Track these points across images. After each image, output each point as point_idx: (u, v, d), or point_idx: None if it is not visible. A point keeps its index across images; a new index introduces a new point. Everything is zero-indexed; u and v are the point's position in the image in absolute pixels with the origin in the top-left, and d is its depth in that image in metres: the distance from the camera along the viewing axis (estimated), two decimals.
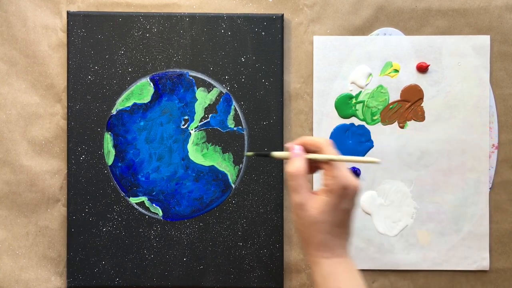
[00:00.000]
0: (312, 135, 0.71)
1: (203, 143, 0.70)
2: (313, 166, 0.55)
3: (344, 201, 0.51)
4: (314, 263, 0.53)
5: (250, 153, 0.61)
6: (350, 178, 0.51)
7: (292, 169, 0.53)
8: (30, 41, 0.70)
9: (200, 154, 0.70)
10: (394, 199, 0.71)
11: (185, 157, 0.70)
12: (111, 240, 0.69)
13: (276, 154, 0.56)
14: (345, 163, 0.53)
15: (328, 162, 0.52)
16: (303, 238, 0.53)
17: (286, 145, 0.56)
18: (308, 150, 0.54)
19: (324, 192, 0.52)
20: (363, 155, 0.71)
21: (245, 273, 0.70)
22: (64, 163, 0.70)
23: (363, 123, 0.71)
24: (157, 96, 0.70)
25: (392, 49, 0.71)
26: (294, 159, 0.53)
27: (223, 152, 0.70)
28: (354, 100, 0.71)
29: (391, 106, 0.71)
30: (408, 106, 0.71)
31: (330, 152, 0.53)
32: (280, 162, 0.70)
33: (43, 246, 0.70)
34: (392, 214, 0.71)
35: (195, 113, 0.70)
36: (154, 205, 0.70)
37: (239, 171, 0.70)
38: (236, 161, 0.70)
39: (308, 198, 0.52)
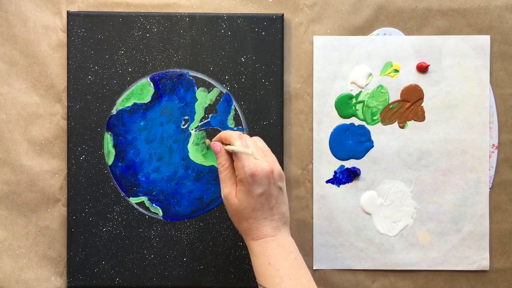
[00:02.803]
0: (312, 135, 0.71)
1: (203, 143, 0.70)
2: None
3: (255, 187, 0.57)
4: (248, 246, 0.58)
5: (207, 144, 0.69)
6: (254, 166, 0.57)
7: (220, 163, 0.60)
8: (30, 41, 0.70)
9: (200, 154, 0.70)
10: (394, 199, 0.71)
11: (185, 157, 0.70)
12: (111, 240, 0.69)
13: (213, 149, 0.62)
14: (251, 153, 0.58)
15: (235, 153, 0.58)
16: (236, 226, 0.59)
17: (213, 140, 0.63)
18: (226, 144, 0.61)
19: (238, 183, 0.58)
20: (363, 155, 0.71)
21: (245, 273, 0.70)
22: (64, 163, 0.70)
23: (363, 123, 0.71)
24: (157, 96, 0.70)
25: (392, 49, 0.71)
26: (219, 154, 0.60)
27: None
28: (354, 100, 0.71)
29: (391, 106, 0.71)
30: (408, 106, 0.71)
31: (236, 144, 0.59)
32: (280, 162, 0.70)
33: (43, 246, 0.70)
34: (392, 214, 0.71)
35: (195, 113, 0.70)
36: (154, 205, 0.70)
37: None
38: None
39: (231, 190, 0.59)
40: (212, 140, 0.63)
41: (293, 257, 0.57)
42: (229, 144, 0.60)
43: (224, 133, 0.62)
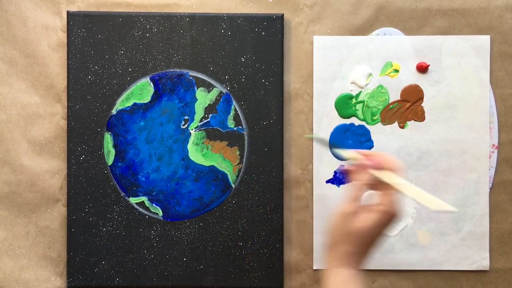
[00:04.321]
0: (312, 135, 0.71)
1: (203, 143, 0.70)
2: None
3: (387, 227, 0.54)
4: (333, 267, 0.55)
5: (308, 136, 0.65)
6: (400, 210, 0.54)
7: (359, 180, 0.55)
8: (30, 41, 0.70)
9: (200, 154, 0.70)
10: None
11: (185, 157, 0.70)
12: (111, 240, 0.69)
13: (344, 153, 0.59)
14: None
15: (389, 184, 0.54)
16: (333, 243, 0.55)
17: (358, 151, 0.58)
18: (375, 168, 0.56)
19: (377, 211, 0.54)
20: None
21: (245, 273, 0.70)
22: (64, 163, 0.70)
23: (363, 123, 0.71)
24: (157, 96, 0.70)
25: (392, 49, 0.71)
26: (362, 172, 0.55)
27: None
28: (354, 100, 0.71)
29: (391, 106, 0.71)
30: (408, 106, 0.71)
31: (395, 179, 0.54)
32: (280, 162, 0.70)
33: (43, 246, 0.70)
34: None
35: (195, 113, 0.70)
36: (154, 205, 0.70)
37: (239, 171, 0.70)
38: (236, 161, 0.70)
39: (359, 211, 0.54)
40: (363, 151, 0.58)
41: None
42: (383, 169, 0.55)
43: (382, 158, 0.56)
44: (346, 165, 0.58)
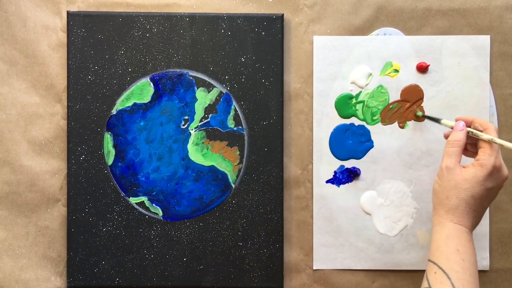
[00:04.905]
0: (312, 135, 0.71)
1: (203, 143, 0.70)
2: (468, 150, 0.63)
3: (490, 180, 0.57)
4: (440, 223, 0.58)
5: (420, 113, 0.70)
6: (503, 163, 0.58)
7: (453, 137, 0.60)
8: (30, 41, 0.70)
9: (200, 154, 0.70)
10: (394, 199, 0.71)
11: (185, 157, 0.70)
12: (111, 240, 0.69)
13: (445, 121, 0.65)
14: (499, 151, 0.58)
15: (488, 141, 0.58)
16: (438, 200, 0.59)
17: (456, 117, 0.63)
18: (474, 128, 0.61)
19: (475, 166, 0.57)
20: (363, 155, 0.71)
21: (245, 273, 0.70)
22: (64, 163, 0.70)
23: (363, 123, 0.71)
24: (157, 96, 0.70)
25: (392, 49, 0.71)
26: (458, 131, 0.60)
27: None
28: (354, 100, 0.71)
29: (391, 106, 0.71)
30: (408, 106, 0.71)
31: (494, 135, 0.59)
32: (280, 162, 0.70)
33: (43, 246, 0.70)
34: (392, 214, 0.71)
35: (195, 113, 0.70)
36: (154, 205, 0.70)
37: (239, 171, 0.70)
38: (236, 161, 0.70)
39: (458, 165, 0.58)
40: (457, 118, 0.63)
41: (475, 259, 0.57)
42: (481, 131, 0.60)
43: (480, 120, 0.61)
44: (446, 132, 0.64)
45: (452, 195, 0.57)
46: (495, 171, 0.57)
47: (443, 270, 0.55)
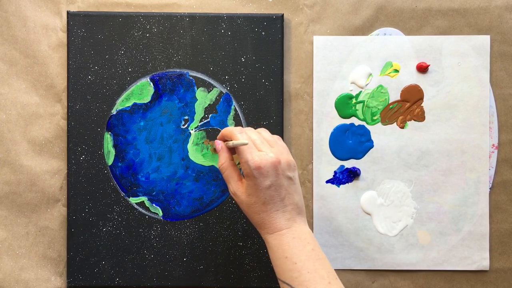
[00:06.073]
0: (312, 135, 0.71)
1: (203, 143, 0.70)
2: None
3: (263, 179, 0.55)
4: (264, 240, 0.58)
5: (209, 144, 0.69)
6: (259, 159, 0.55)
7: (220, 162, 0.60)
8: (30, 41, 0.70)
9: (200, 154, 0.70)
10: (394, 199, 0.71)
11: (185, 157, 0.70)
12: (111, 240, 0.69)
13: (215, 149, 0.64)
14: (252, 145, 0.57)
15: (238, 148, 0.57)
16: (251, 221, 0.58)
17: (214, 141, 0.63)
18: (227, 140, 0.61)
19: (245, 177, 0.57)
20: (363, 155, 0.71)
21: (245, 273, 0.70)
22: (64, 163, 0.70)
23: (363, 123, 0.71)
24: (157, 96, 0.70)
25: (392, 49, 0.71)
26: (219, 153, 0.60)
27: None
28: (354, 100, 0.71)
29: (391, 106, 0.71)
30: (408, 106, 0.71)
31: (237, 138, 0.58)
32: None
33: (43, 246, 0.70)
34: (392, 214, 0.71)
35: (195, 113, 0.70)
36: (154, 205, 0.70)
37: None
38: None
39: (237, 186, 0.58)
40: (216, 138, 0.63)
41: (310, 249, 0.55)
42: (230, 140, 0.60)
43: (225, 130, 0.61)
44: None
45: (252, 214, 0.57)
46: (259, 170, 0.55)
47: (288, 284, 0.54)
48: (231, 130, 0.60)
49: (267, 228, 0.56)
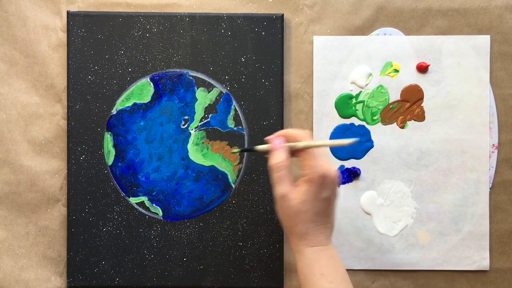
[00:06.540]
0: (312, 135, 0.71)
1: (203, 143, 0.70)
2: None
3: (324, 189, 0.54)
4: (298, 251, 0.55)
5: (236, 150, 0.67)
6: (328, 167, 0.54)
7: (275, 161, 0.55)
8: (30, 41, 0.70)
9: (200, 154, 0.70)
10: (394, 199, 0.71)
11: (185, 157, 0.70)
12: (111, 240, 0.69)
13: (259, 147, 0.59)
14: (324, 152, 0.55)
15: (306, 151, 0.54)
16: (287, 228, 0.55)
17: (267, 138, 0.58)
18: (288, 142, 0.57)
19: (304, 182, 0.54)
20: (363, 155, 0.71)
21: (245, 273, 0.70)
22: (64, 163, 0.70)
23: (363, 123, 0.71)
24: (157, 96, 0.70)
25: (392, 49, 0.71)
26: (276, 151, 0.56)
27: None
28: (354, 100, 0.71)
29: (391, 106, 0.71)
30: (408, 106, 0.71)
31: (306, 140, 0.55)
32: None
33: (43, 246, 0.70)
34: (392, 214, 0.71)
35: (195, 113, 0.70)
36: (154, 205, 0.70)
37: (239, 171, 0.70)
38: (236, 161, 0.70)
39: (290, 189, 0.54)
40: (271, 136, 0.58)
41: (343, 271, 0.54)
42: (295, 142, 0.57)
43: (290, 131, 0.57)
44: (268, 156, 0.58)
45: (297, 222, 0.54)
46: (325, 179, 0.53)
47: None
48: (296, 132, 0.57)
49: (309, 240, 0.54)
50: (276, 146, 0.56)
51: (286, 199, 0.54)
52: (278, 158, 0.55)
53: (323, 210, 0.54)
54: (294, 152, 0.57)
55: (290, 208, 0.54)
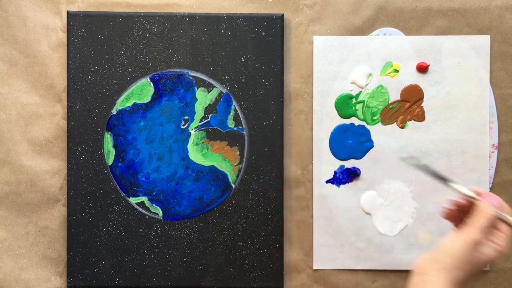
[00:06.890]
0: (312, 135, 0.71)
1: (203, 143, 0.70)
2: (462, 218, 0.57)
3: (494, 263, 0.56)
4: (432, 282, 0.54)
5: (417, 162, 0.67)
6: (506, 252, 0.54)
7: (489, 211, 0.54)
8: (30, 41, 0.70)
9: (200, 154, 0.70)
10: (394, 199, 0.71)
11: (185, 157, 0.70)
12: (111, 240, 0.69)
13: (458, 186, 0.57)
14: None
15: (507, 225, 0.54)
16: (451, 266, 0.54)
17: (475, 188, 0.56)
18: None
19: (495, 251, 0.54)
20: (363, 155, 0.71)
21: (245, 273, 0.70)
22: (64, 163, 0.70)
23: (363, 123, 0.71)
24: (157, 96, 0.70)
25: (392, 49, 0.71)
26: (491, 206, 0.54)
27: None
28: (354, 100, 0.71)
29: (391, 106, 0.71)
30: (408, 106, 0.71)
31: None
32: (280, 162, 0.70)
33: (43, 246, 0.70)
34: (392, 214, 0.71)
35: (195, 113, 0.70)
36: (154, 205, 0.70)
37: (239, 171, 0.70)
38: (236, 161, 0.70)
39: (485, 243, 0.54)
40: (476, 190, 0.56)
41: None
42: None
43: (503, 202, 0.56)
44: (455, 198, 0.57)
45: (467, 269, 0.53)
46: (501, 259, 0.55)
47: None
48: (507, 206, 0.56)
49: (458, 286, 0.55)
50: (493, 202, 0.55)
51: (478, 250, 0.54)
52: (492, 211, 0.54)
53: (478, 273, 0.55)
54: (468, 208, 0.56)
55: (475, 259, 0.54)
